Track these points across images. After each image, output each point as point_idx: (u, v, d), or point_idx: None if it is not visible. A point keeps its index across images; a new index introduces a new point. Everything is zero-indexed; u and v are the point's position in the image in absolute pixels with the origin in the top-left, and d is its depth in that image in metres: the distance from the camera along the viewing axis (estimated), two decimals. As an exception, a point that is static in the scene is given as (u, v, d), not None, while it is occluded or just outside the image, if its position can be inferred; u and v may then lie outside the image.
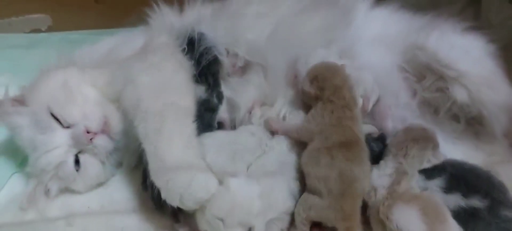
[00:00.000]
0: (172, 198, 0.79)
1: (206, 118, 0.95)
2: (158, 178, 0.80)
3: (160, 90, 0.88)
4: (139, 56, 0.96)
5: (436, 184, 0.84)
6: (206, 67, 0.99)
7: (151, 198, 0.87)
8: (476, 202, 0.80)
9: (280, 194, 0.83)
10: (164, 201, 0.81)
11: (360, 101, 0.96)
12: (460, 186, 0.82)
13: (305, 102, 0.99)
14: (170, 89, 0.90)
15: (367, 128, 0.96)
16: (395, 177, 0.84)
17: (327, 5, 1.08)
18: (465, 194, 0.81)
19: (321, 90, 0.93)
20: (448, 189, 0.83)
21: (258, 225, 0.79)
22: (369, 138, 0.92)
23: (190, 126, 0.87)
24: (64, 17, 1.61)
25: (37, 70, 1.02)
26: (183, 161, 0.81)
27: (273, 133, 0.97)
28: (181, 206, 0.79)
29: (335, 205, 0.79)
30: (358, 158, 0.84)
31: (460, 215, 0.80)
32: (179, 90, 0.91)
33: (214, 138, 0.92)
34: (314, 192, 0.82)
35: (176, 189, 0.78)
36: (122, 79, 0.91)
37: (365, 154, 0.86)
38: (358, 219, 0.80)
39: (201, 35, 1.01)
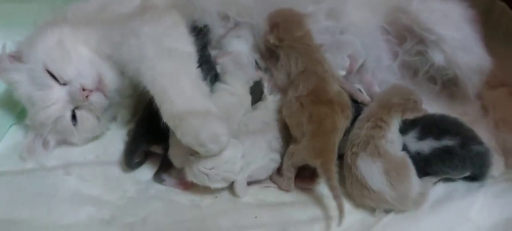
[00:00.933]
0: (187, 140, 0.80)
1: None
2: (170, 121, 0.81)
3: (163, 39, 0.90)
4: (137, 12, 0.97)
5: (410, 136, 0.89)
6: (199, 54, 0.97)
7: (124, 155, 0.95)
8: (448, 141, 0.86)
9: (260, 151, 0.89)
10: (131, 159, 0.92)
11: (347, 61, 0.99)
12: (432, 131, 0.88)
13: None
14: (172, 38, 0.92)
15: (363, 98, 0.97)
16: (367, 127, 0.88)
17: None
18: (437, 137, 0.87)
19: (280, 40, 0.96)
20: (421, 136, 0.88)
21: (239, 180, 0.86)
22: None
23: (195, 68, 0.89)
24: (56, -31, 1.58)
25: (31, 24, 1.02)
26: (193, 101, 0.83)
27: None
28: (197, 149, 0.81)
29: (308, 145, 0.84)
30: (324, 99, 0.88)
31: (436, 155, 0.86)
32: (181, 39, 0.93)
33: None
34: (295, 141, 0.87)
35: (191, 130, 0.80)
36: (120, 35, 0.93)
37: (336, 94, 0.89)
38: (333, 156, 0.82)
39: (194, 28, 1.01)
